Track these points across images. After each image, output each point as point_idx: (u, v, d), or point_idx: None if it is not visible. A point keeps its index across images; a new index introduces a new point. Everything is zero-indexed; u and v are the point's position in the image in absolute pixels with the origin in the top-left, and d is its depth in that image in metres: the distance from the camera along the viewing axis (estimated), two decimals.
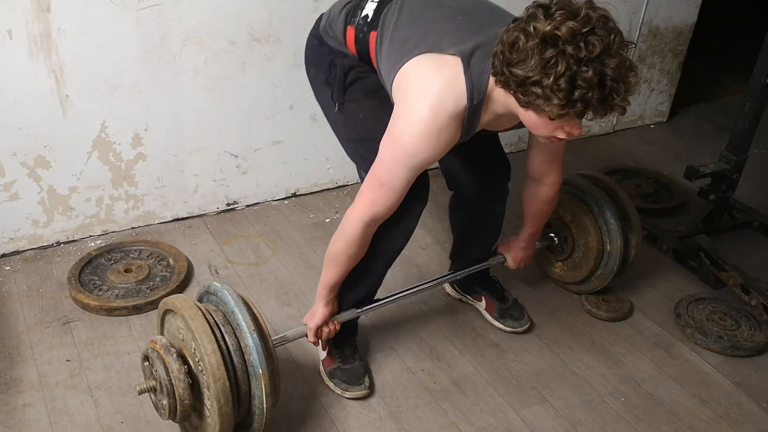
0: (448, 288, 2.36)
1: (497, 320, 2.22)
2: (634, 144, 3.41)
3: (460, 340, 2.19)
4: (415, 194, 1.72)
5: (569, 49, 1.34)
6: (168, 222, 2.64)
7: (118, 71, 2.30)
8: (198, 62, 2.40)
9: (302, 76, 1.98)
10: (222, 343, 1.60)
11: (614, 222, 2.17)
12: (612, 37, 1.36)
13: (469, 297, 2.30)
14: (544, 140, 1.58)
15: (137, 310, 2.21)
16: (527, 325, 2.22)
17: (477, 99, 1.55)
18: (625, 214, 2.22)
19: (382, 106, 1.70)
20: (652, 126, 3.61)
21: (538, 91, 1.39)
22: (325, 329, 1.88)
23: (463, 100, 1.54)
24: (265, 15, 2.44)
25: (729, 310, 2.31)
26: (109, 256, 2.40)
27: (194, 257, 2.46)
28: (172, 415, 1.64)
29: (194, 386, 1.62)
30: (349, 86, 1.81)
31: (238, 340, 1.63)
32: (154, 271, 2.35)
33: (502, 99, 1.53)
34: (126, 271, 2.33)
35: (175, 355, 1.61)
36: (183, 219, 2.66)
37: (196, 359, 1.60)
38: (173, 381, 1.59)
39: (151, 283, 2.30)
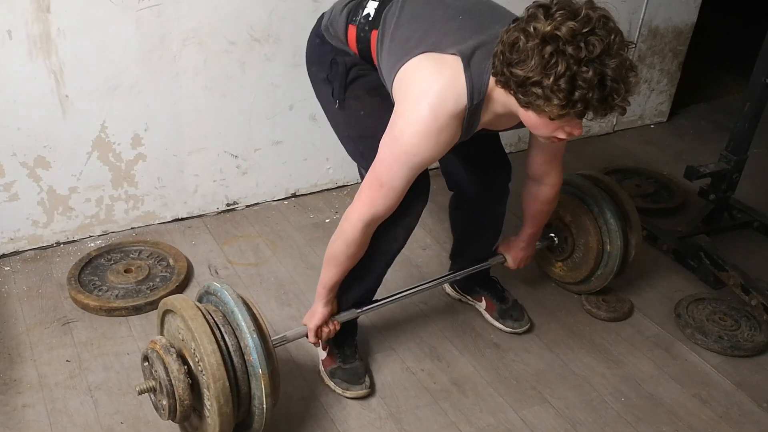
0: (448, 288, 2.36)
1: (497, 321, 2.22)
2: (634, 144, 3.41)
3: (460, 340, 2.19)
4: (415, 193, 1.72)
5: (569, 49, 1.34)
6: (168, 222, 2.64)
7: (117, 71, 2.30)
8: (198, 62, 2.40)
9: (302, 76, 1.98)
10: (222, 343, 1.60)
11: (614, 222, 2.17)
12: (612, 37, 1.36)
13: (469, 297, 2.30)
14: (545, 140, 1.58)
15: (137, 310, 2.21)
16: (527, 326, 2.22)
17: (477, 99, 1.55)
18: (625, 214, 2.22)
19: (383, 103, 1.70)
20: (652, 126, 3.61)
21: (539, 91, 1.39)
22: (325, 329, 1.88)
23: (463, 99, 1.54)
24: (265, 15, 2.44)
25: (729, 310, 2.31)
26: (109, 257, 2.40)
27: (194, 257, 2.46)
28: (172, 415, 1.63)
29: (194, 386, 1.62)
30: (351, 83, 1.80)
31: (237, 341, 1.63)
32: (154, 272, 2.35)
33: (502, 99, 1.53)
34: (126, 271, 2.32)
35: (174, 356, 1.61)
36: (183, 219, 2.66)
37: (196, 359, 1.60)
38: (173, 381, 1.59)
39: (151, 284, 2.30)
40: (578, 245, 2.27)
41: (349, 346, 2.01)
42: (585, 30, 1.34)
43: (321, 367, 2.03)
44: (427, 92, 1.55)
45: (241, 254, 2.52)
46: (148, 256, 2.42)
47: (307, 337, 1.89)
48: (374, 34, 1.70)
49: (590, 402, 2.00)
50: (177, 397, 1.60)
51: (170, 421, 1.67)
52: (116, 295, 2.25)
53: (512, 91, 1.45)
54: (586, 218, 2.20)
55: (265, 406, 1.63)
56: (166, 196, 2.59)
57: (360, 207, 1.68)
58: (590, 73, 1.34)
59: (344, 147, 1.91)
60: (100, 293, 2.25)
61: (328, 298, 1.85)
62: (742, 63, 3.39)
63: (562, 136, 1.51)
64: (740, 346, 2.17)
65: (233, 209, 2.74)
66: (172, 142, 2.50)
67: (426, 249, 2.58)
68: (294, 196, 2.83)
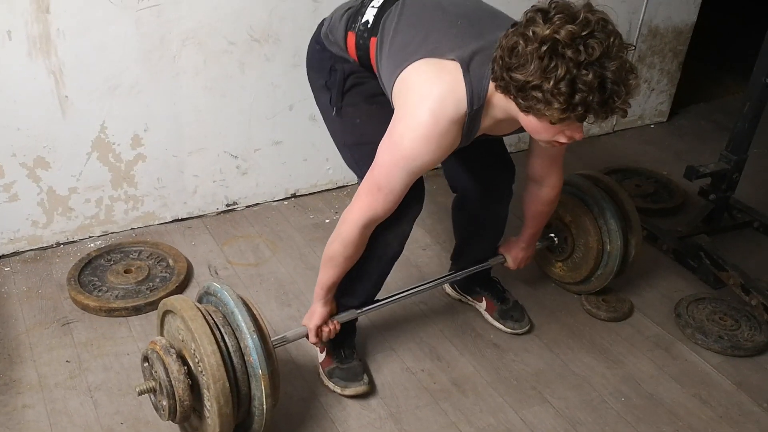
0: (448, 288, 2.36)
1: (497, 321, 2.22)
2: (634, 144, 3.41)
3: (460, 341, 2.19)
4: (410, 200, 1.72)
5: (569, 52, 1.33)
6: (168, 223, 2.64)
7: (117, 72, 2.30)
8: (198, 62, 2.40)
9: (302, 76, 1.98)
10: (222, 344, 1.60)
11: (614, 222, 2.17)
12: (611, 39, 1.35)
13: (469, 297, 2.30)
14: (545, 145, 1.58)
15: (137, 310, 2.20)
16: (527, 327, 2.21)
17: (477, 104, 1.55)
18: (625, 214, 2.22)
19: (380, 111, 1.70)
20: (652, 126, 3.61)
21: (539, 95, 1.38)
22: (325, 329, 1.88)
23: (463, 105, 1.54)
24: (265, 15, 2.44)
25: (729, 310, 2.31)
26: (109, 257, 2.40)
27: (194, 258, 2.46)
28: (172, 416, 1.63)
29: (194, 387, 1.62)
30: (348, 91, 1.81)
31: (237, 341, 1.63)
32: (154, 272, 2.35)
33: (502, 104, 1.53)
34: (126, 271, 2.32)
35: (174, 356, 1.60)
36: (183, 220, 2.66)
37: (196, 360, 1.60)
38: (173, 382, 1.59)
39: (151, 284, 2.30)
40: (578, 245, 2.27)
41: (348, 347, 2.01)
42: (584, 33, 1.34)
43: (320, 369, 2.02)
44: (427, 97, 1.55)
45: (241, 255, 2.52)
46: (147, 257, 2.42)
47: (307, 337, 1.89)
48: (373, 41, 1.70)
49: (590, 402, 2.00)
50: (177, 398, 1.60)
51: (170, 421, 1.67)
52: (116, 296, 2.25)
53: (512, 96, 1.45)
54: (586, 218, 2.20)
55: (265, 406, 1.63)
56: (165, 197, 2.59)
57: (358, 209, 1.68)
58: (590, 76, 1.34)
59: (341, 154, 1.92)
60: (99, 294, 2.25)
61: (326, 299, 1.85)
62: (742, 63, 3.39)
63: (562, 140, 1.50)
64: (740, 346, 2.17)
65: (233, 209, 2.74)
66: (171, 142, 2.50)
67: (426, 249, 2.58)
68: (294, 196, 2.83)
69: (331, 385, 1.98)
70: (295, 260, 2.49)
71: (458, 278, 2.19)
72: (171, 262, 2.40)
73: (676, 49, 3.43)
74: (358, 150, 1.80)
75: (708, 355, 2.18)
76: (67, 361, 2.04)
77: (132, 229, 2.58)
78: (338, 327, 1.91)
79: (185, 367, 1.60)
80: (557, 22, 1.34)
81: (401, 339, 2.18)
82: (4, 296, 2.26)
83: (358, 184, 1.72)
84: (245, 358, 1.62)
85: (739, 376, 2.11)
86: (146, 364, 1.68)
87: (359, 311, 1.95)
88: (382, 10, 1.71)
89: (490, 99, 1.55)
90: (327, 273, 1.80)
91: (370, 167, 1.64)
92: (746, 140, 2.48)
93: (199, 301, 1.77)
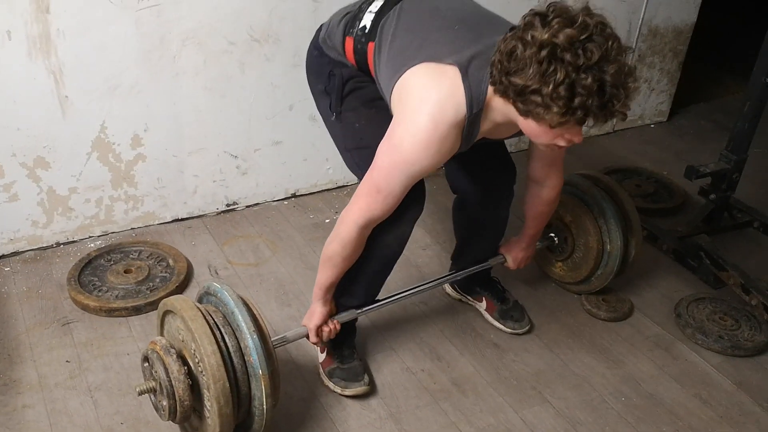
0: (448, 288, 2.36)
1: (497, 321, 2.22)
2: (634, 144, 3.41)
3: (461, 341, 2.19)
4: (410, 202, 1.72)
5: (568, 56, 1.33)
6: (168, 223, 2.64)
7: (117, 72, 2.29)
8: (197, 62, 2.40)
9: (302, 76, 1.98)
10: (222, 344, 1.60)
11: (614, 222, 2.17)
12: (610, 43, 1.35)
13: (469, 297, 2.30)
14: (545, 148, 1.58)
15: (137, 310, 2.20)
16: (527, 327, 2.21)
17: (476, 108, 1.55)
18: (625, 214, 2.22)
19: (379, 115, 1.70)
20: (652, 126, 3.61)
21: (538, 99, 1.38)
22: (326, 329, 1.88)
23: (462, 109, 1.54)
24: (265, 15, 2.44)
25: (729, 309, 2.31)
26: (109, 257, 2.40)
27: (194, 258, 2.46)
28: (172, 416, 1.63)
29: (194, 387, 1.62)
30: (347, 96, 1.81)
31: (238, 341, 1.63)
32: (154, 272, 2.35)
33: (501, 108, 1.53)
34: (126, 271, 2.32)
35: (174, 356, 1.60)
36: (183, 220, 2.66)
37: (196, 360, 1.60)
38: (173, 382, 1.59)
39: (151, 284, 2.30)
40: (578, 245, 2.27)
41: (348, 347, 2.01)
42: (582, 37, 1.33)
43: (320, 369, 2.02)
44: (426, 102, 1.55)
45: (241, 254, 2.52)
46: (147, 257, 2.42)
47: (307, 337, 1.89)
48: (371, 46, 1.71)
49: (590, 402, 2.00)
50: (177, 398, 1.60)
51: (170, 421, 1.67)
52: (116, 296, 2.24)
53: (511, 100, 1.45)
54: (586, 218, 2.20)
55: (265, 406, 1.63)
56: (165, 197, 2.59)
57: (357, 210, 1.68)
58: (589, 79, 1.34)
59: (342, 158, 1.92)
60: (100, 294, 2.25)
61: (325, 299, 1.85)
62: (742, 63, 3.40)
63: (562, 143, 1.50)
64: (741, 346, 2.17)
65: (233, 209, 2.74)
66: (171, 142, 2.50)
67: (426, 249, 2.58)
68: (294, 196, 2.83)
69: (331, 385, 1.98)
70: (295, 260, 2.49)
71: (458, 278, 2.19)
72: (171, 262, 2.40)
73: (676, 49, 3.43)
74: (359, 154, 1.80)
75: (708, 355, 2.18)
76: (67, 361, 2.04)
77: (132, 229, 2.58)
78: (338, 327, 1.91)
79: (185, 367, 1.60)
80: (556, 26, 1.34)
81: (401, 339, 2.18)
82: (4, 296, 2.26)
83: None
84: (245, 358, 1.62)
85: (740, 376, 2.11)
86: (146, 364, 1.68)
87: (359, 311, 1.95)
88: (379, 15, 1.71)
89: (489, 103, 1.55)
90: (325, 273, 1.80)
91: (369, 169, 1.64)
92: (746, 140, 2.48)
93: (199, 301, 1.77)
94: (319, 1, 2.47)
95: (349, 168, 1.91)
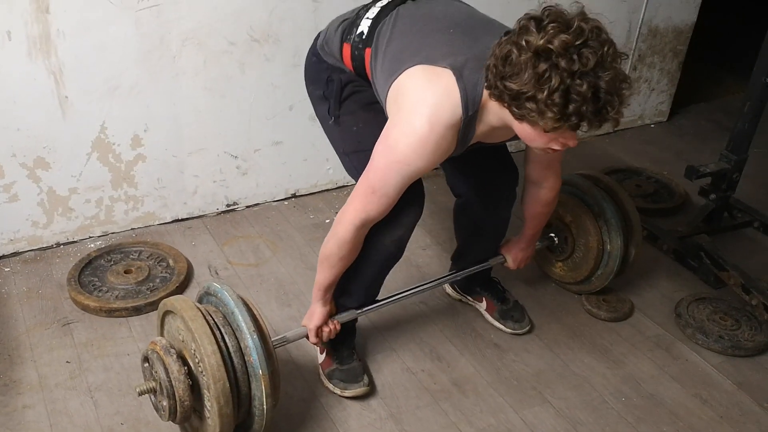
0: (448, 289, 2.36)
1: (498, 321, 2.22)
2: (634, 144, 3.41)
3: (461, 341, 2.19)
4: (409, 206, 1.73)
5: (562, 62, 1.33)
6: (168, 223, 2.64)
7: (117, 72, 2.29)
8: (197, 63, 2.40)
9: (302, 77, 1.98)
10: (222, 344, 1.60)
11: (614, 222, 2.17)
12: (605, 48, 1.35)
13: (469, 298, 2.30)
14: (540, 151, 1.58)
15: (137, 311, 2.20)
16: (528, 327, 2.21)
17: (472, 109, 1.55)
18: (626, 214, 2.22)
19: (377, 118, 1.70)
20: (652, 126, 3.61)
21: (533, 105, 1.38)
22: (326, 329, 1.88)
23: (458, 110, 1.54)
24: (265, 15, 2.44)
25: (730, 309, 2.31)
26: (109, 258, 2.40)
27: (194, 258, 2.46)
28: (172, 416, 1.63)
29: (194, 387, 1.62)
30: (345, 99, 1.82)
31: (238, 341, 1.62)
32: (154, 272, 2.35)
33: (496, 111, 1.53)
34: (126, 272, 2.32)
35: (174, 356, 1.60)
36: (183, 220, 2.66)
37: (196, 360, 1.60)
38: (173, 382, 1.59)
39: (151, 284, 2.30)
40: (578, 245, 2.27)
41: (347, 348, 2.01)
42: (578, 42, 1.33)
43: (320, 369, 2.02)
44: (422, 103, 1.55)
45: (241, 255, 2.52)
46: (148, 257, 2.42)
47: (307, 337, 1.89)
48: (368, 51, 1.71)
49: (591, 402, 2.00)
50: (177, 398, 1.59)
51: (170, 422, 1.66)
52: (116, 296, 2.24)
53: (506, 104, 1.45)
54: (586, 218, 2.20)
55: (265, 406, 1.63)
56: (165, 197, 2.59)
57: (353, 210, 1.68)
58: (584, 86, 1.33)
59: (341, 162, 1.92)
60: (100, 294, 2.25)
61: (325, 299, 1.85)
62: (742, 63, 3.39)
63: (556, 147, 1.50)
64: (741, 346, 2.17)
65: (233, 210, 2.74)
66: (171, 142, 2.50)
67: (426, 249, 2.58)
68: (294, 196, 2.83)
69: (330, 386, 1.98)
70: (296, 260, 2.49)
71: (458, 278, 2.18)
72: (171, 262, 2.39)
73: (676, 49, 3.43)
74: (357, 157, 1.80)
75: (708, 355, 2.18)
76: (67, 362, 2.03)
77: (132, 229, 2.58)
78: (338, 327, 1.91)
79: (185, 368, 1.60)
80: (551, 32, 1.34)
81: (401, 339, 2.18)
82: (4, 297, 2.26)
83: None
84: (245, 358, 1.62)
85: (740, 376, 2.11)
86: (146, 365, 1.68)
87: (359, 311, 1.95)
88: (376, 21, 1.72)
89: (484, 105, 1.55)
90: (323, 273, 1.80)
91: (365, 169, 1.65)
92: (746, 140, 2.48)
93: (200, 301, 1.77)
94: (319, 1, 2.47)
95: (347, 172, 1.91)
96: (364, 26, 1.73)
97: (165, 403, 1.62)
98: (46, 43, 2.16)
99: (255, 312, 1.67)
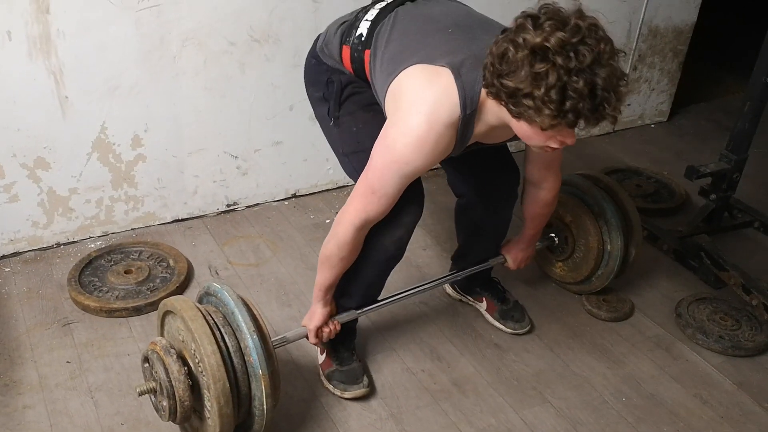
0: (448, 289, 2.36)
1: (498, 321, 2.22)
2: (634, 144, 3.41)
3: (461, 341, 2.19)
4: (408, 206, 1.73)
5: (559, 60, 1.33)
6: (168, 223, 2.64)
7: (117, 72, 2.29)
8: (198, 63, 2.40)
9: (302, 76, 1.98)
10: (222, 344, 1.60)
11: (615, 222, 2.17)
12: (602, 45, 1.35)
13: (469, 298, 2.30)
14: (538, 150, 1.58)
15: (137, 311, 2.20)
16: (528, 327, 2.21)
17: (470, 108, 1.55)
18: (626, 214, 2.22)
19: (377, 118, 1.70)
20: (653, 126, 3.61)
21: (530, 102, 1.38)
22: (326, 329, 1.88)
23: (457, 109, 1.54)
24: (265, 15, 2.44)
25: (730, 310, 2.31)
26: (109, 258, 2.40)
27: (194, 258, 2.46)
28: (173, 416, 1.63)
29: (194, 387, 1.62)
30: (345, 100, 1.82)
31: (238, 341, 1.63)
32: (154, 273, 2.35)
33: (494, 110, 1.53)
34: (126, 272, 2.32)
35: (175, 357, 1.60)
36: (183, 220, 2.66)
37: (196, 360, 1.60)
38: (173, 382, 1.59)
39: (151, 285, 2.30)
40: (578, 245, 2.27)
41: (347, 349, 2.01)
42: (574, 40, 1.33)
43: (320, 370, 2.02)
44: (421, 102, 1.55)
45: (242, 255, 2.52)
46: (148, 257, 2.42)
47: (307, 338, 1.89)
48: (367, 53, 1.71)
49: (591, 402, 2.00)
50: (177, 398, 1.59)
51: (171, 422, 1.66)
52: (116, 296, 2.24)
53: (503, 103, 1.45)
54: (587, 218, 2.20)
55: (265, 407, 1.63)
56: (166, 197, 2.59)
57: (353, 211, 1.68)
58: (581, 83, 1.33)
59: (340, 164, 1.92)
60: (100, 294, 2.25)
61: (325, 299, 1.85)
62: (742, 63, 3.39)
63: (554, 145, 1.50)
64: (741, 346, 2.17)
65: (233, 210, 2.74)
66: (172, 142, 2.50)
67: (426, 249, 2.58)
68: (294, 196, 2.83)
69: (330, 387, 1.98)
70: (296, 260, 2.49)
71: (459, 278, 2.18)
72: (171, 262, 2.40)
73: (676, 49, 3.43)
74: (356, 158, 1.80)
75: (709, 355, 2.18)
76: (67, 362, 2.04)
77: (132, 229, 2.58)
78: (338, 327, 1.91)
79: (185, 368, 1.60)
80: (547, 29, 1.34)
81: (402, 339, 2.18)
82: (4, 297, 2.26)
83: None
84: (245, 358, 1.62)
85: (740, 377, 2.11)
86: (146, 365, 1.68)
87: (359, 312, 1.95)
88: (375, 23, 1.72)
89: (482, 104, 1.55)
90: (324, 274, 1.80)
91: (364, 170, 1.65)
92: (747, 140, 2.48)
93: (200, 301, 1.77)
94: (319, 1, 2.47)
95: (347, 173, 1.91)
96: (363, 28, 1.73)
97: (165, 403, 1.62)
98: (46, 44, 2.16)
99: (255, 312, 1.67)
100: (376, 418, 1.92)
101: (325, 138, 1.94)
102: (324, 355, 2.02)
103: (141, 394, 1.67)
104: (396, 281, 2.27)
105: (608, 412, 1.97)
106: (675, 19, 3.33)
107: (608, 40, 1.37)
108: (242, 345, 1.62)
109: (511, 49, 1.37)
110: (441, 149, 1.58)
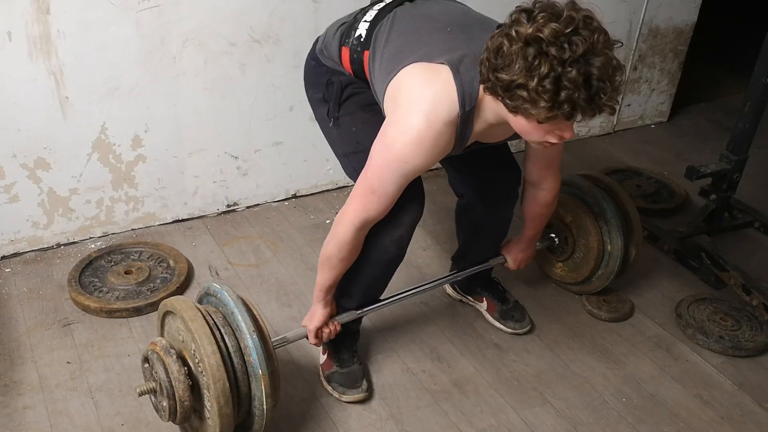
0: (448, 289, 2.36)
1: (498, 321, 2.22)
2: (634, 144, 3.41)
3: (461, 341, 2.19)
4: (409, 205, 1.73)
5: (552, 50, 1.33)
6: (168, 223, 2.64)
7: (117, 73, 2.30)
8: (198, 63, 2.40)
9: (302, 77, 1.98)
10: (222, 344, 1.60)
11: (615, 222, 2.17)
12: (596, 36, 1.35)
13: (470, 298, 2.30)
14: (537, 146, 1.58)
15: (137, 311, 2.20)
16: (528, 327, 2.21)
17: (469, 105, 1.55)
18: (626, 215, 2.22)
19: (376, 118, 1.71)
20: (653, 126, 3.61)
21: (524, 94, 1.38)
22: (326, 330, 1.88)
23: (455, 107, 1.54)
24: (265, 16, 2.44)
25: (730, 310, 2.31)
26: (110, 258, 2.40)
27: (194, 259, 2.46)
28: (173, 416, 1.63)
29: (194, 388, 1.62)
30: (345, 101, 1.82)
31: (237, 342, 1.63)
32: (155, 273, 2.35)
33: (492, 106, 1.53)
34: (126, 272, 2.32)
35: (174, 357, 1.60)
36: (183, 220, 2.66)
37: (196, 361, 1.60)
38: (173, 382, 1.59)
39: (152, 285, 2.30)
40: (579, 245, 2.27)
41: (347, 351, 2.01)
42: (568, 30, 1.33)
43: (320, 371, 2.02)
44: (420, 100, 1.55)
45: (242, 255, 2.52)
46: (148, 258, 2.42)
47: (307, 338, 1.89)
48: (366, 54, 1.72)
49: (591, 402, 2.00)
50: (177, 399, 1.60)
51: (171, 422, 1.67)
52: (117, 297, 2.25)
53: (500, 97, 1.45)
54: (587, 218, 2.20)
55: (265, 407, 1.63)
56: (166, 198, 2.59)
57: (353, 211, 1.68)
58: (574, 72, 1.33)
59: (340, 164, 1.92)
60: (100, 295, 2.25)
61: (326, 300, 1.85)
62: (742, 63, 3.39)
63: (553, 140, 1.50)
64: (741, 347, 2.17)
65: (233, 210, 2.74)
66: (172, 143, 2.50)
67: (426, 249, 2.58)
68: (294, 197, 2.83)
69: (329, 388, 1.97)
70: (296, 261, 2.49)
71: (459, 278, 2.18)
72: (171, 262, 2.40)
73: (676, 49, 3.43)
74: (356, 158, 1.80)
75: (709, 355, 2.18)
76: (67, 362, 2.04)
77: (132, 229, 2.58)
78: (338, 328, 1.90)
79: (185, 368, 1.60)
80: (541, 21, 1.34)
81: (402, 339, 2.18)
82: (4, 297, 2.26)
83: None
84: (245, 358, 1.62)
85: (741, 377, 2.11)
86: (147, 365, 1.68)
87: (359, 312, 1.95)
88: (374, 24, 1.72)
89: (481, 101, 1.55)
90: (324, 274, 1.80)
91: (364, 169, 1.65)
92: (747, 140, 2.48)
93: (200, 301, 1.77)
94: (319, 1, 2.47)
95: (347, 174, 1.90)
96: (362, 29, 1.73)
97: (165, 403, 1.62)
98: (46, 44, 2.16)
99: (255, 312, 1.67)
100: (376, 419, 1.92)
101: (324, 139, 1.94)
102: (326, 355, 2.02)
103: (141, 394, 1.67)
104: (396, 281, 2.26)
105: (608, 413, 1.97)
106: (675, 19, 3.33)
107: (602, 31, 1.37)
108: (242, 345, 1.62)
109: (506, 42, 1.38)
110: (440, 147, 1.58)
